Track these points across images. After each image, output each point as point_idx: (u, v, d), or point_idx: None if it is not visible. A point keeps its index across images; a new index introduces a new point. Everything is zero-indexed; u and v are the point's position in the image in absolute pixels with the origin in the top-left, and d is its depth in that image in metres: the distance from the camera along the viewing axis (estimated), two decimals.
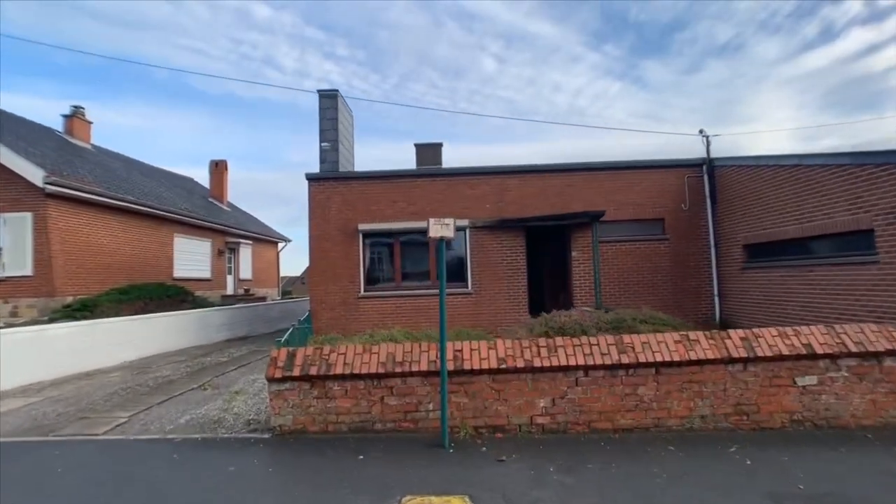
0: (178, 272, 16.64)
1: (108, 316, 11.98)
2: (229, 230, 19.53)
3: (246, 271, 21.03)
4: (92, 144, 17.71)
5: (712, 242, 11.04)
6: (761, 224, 9.16)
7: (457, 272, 11.59)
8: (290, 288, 41.90)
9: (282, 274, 26.85)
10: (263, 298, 20.16)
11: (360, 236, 11.44)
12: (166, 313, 11.91)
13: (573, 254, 11.25)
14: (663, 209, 11.09)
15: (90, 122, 17.90)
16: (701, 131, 11.15)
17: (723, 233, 10.65)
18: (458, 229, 11.42)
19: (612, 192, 11.37)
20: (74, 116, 17.23)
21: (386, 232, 11.49)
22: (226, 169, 22.46)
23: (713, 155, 11.11)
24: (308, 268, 11.64)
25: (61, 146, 15.08)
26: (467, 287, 11.28)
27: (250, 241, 21.39)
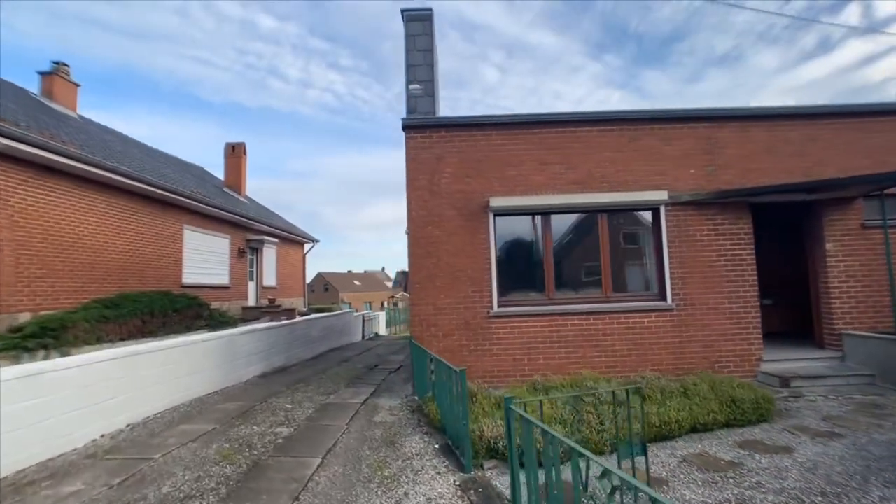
0: (189, 277, 11.99)
1: (84, 343, 7.35)
2: (251, 224, 14.93)
3: (270, 277, 16.39)
4: (79, 115, 13.08)
5: None
6: None
7: (646, 277, 7.22)
8: None
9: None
10: (292, 311, 15.49)
11: (491, 218, 7.03)
12: (174, 340, 7.32)
13: (828, 246, 6.93)
14: None
15: (77, 85, 13.27)
16: None
17: None
18: (648, 207, 7.04)
19: (882, 150, 7.09)
20: (55, 74, 12.59)
21: (531, 210, 7.07)
22: (244, 153, 17.87)
23: None
24: (410, 269, 7.18)
25: (33, 107, 10.44)
26: (665, 299, 6.88)
27: (276, 240, 16.77)
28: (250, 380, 8.57)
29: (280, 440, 5.03)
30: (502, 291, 6.96)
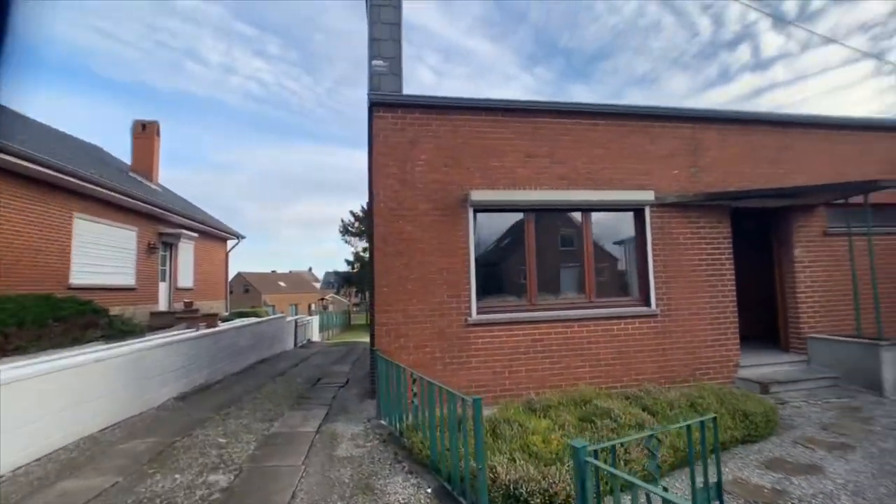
0: (80, 277, 9.75)
1: None
2: (165, 216, 12.70)
3: (186, 277, 14.12)
4: None
5: None
6: None
7: (629, 281, 6.79)
8: None
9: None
10: (213, 316, 13.39)
11: (471, 213, 6.19)
12: (50, 358, 5.55)
13: (796, 252, 7.00)
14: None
15: None
16: None
17: None
18: (633, 208, 6.63)
19: (845, 161, 7.34)
20: None
21: (515, 206, 6.33)
22: (157, 134, 15.29)
23: None
24: (375, 271, 6.06)
25: None
26: (649, 305, 6.49)
27: (195, 235, 14.51)
28: (165, 404, 6.90)
29: (216, 495, 3.75)
30: (481, 296, 6.16)
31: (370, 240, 7.78)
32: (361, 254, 41.73)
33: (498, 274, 6.51)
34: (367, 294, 40.89)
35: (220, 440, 5.13)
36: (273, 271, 65.46)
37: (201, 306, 14.26)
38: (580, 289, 6.52)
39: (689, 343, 6.46)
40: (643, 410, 4.35)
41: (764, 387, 5.93)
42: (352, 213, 42.34)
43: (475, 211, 6.18)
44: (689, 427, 2.51)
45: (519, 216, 6.42)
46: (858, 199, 6.49)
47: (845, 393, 5.88)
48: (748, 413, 4.34)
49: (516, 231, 6.47)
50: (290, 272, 72.76)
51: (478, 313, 6.03)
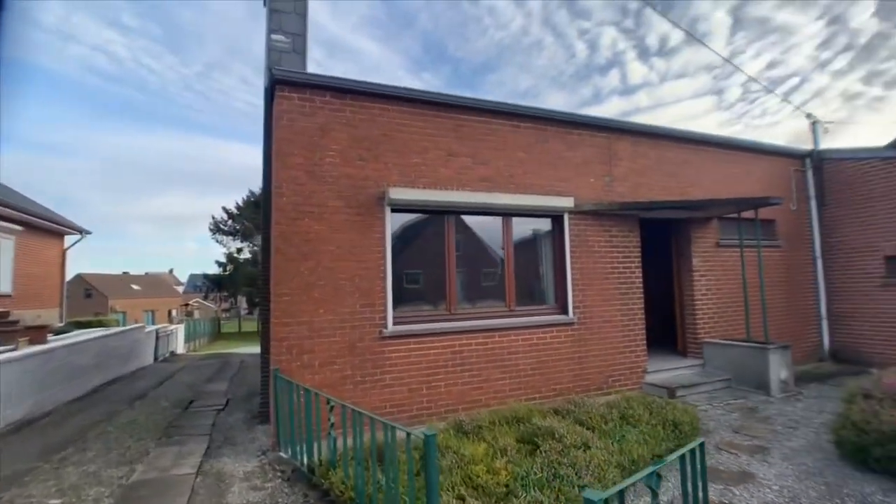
0: None
1: None
2: None
3: (3, 280, 11.53)
4: None
5: (818, 252, 9.17)
6: None
7: (545, 288, 7.05)
8: None
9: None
10: (41, 329, 11.10)
11: (388, 213, 5.92)
12: None
13: (694, 261, 7.92)
14: (774, 207, 8.72)
15: None
16: (809, 116, 9.33)
17: (840, 241, 8.82)
18: (553, 214, 6.95)
19: (732, 179, 8.48)
20: None
21: (436, 207, 6.20)
22: None
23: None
24: (273, 275, 5.42)
25: None
26: (567, 313, 6.82)
27: (18, 228, 11.90)
28: None
29: None
30: (398, 305, 5.93)
31: (265, 240, 7.08)
32: (235, 255, 38.56)
33: (416, 280, 6.34)
34: (255, 301, 37.80)
35: (52, 502, 4.17)
36: (125, 273, 57.43)
37: (24, 316, 11.79)
38: (500, 296, 6.64)
39: (603, 351, 6.96)
40: (579, 425, 4.51)
41: (671, 391, 6.61)
42: (225, 209, 38.93)
43: (393, 210, 5.94)
44: (682, 457, 2.51)
45: (439, 218, 6.33)
46: (747, 213, 7.61)
47: (739, 394, 6.80)
48: (677, 422, 4.74)
49: (436, 234, 6.37)
50: (147, 274, 64.55)
51: (394, 324, 5.80)
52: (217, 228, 39.23)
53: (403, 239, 6.21)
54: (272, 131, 5.73)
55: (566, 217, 6.89)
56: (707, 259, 8.00)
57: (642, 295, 7.34)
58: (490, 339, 6.28)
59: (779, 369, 6.65)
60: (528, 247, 7.05)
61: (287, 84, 5.55)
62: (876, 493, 3.61)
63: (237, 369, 13.14)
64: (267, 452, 5.22)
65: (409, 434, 2.90)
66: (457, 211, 6.34)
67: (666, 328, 8.42)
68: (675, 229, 8.26)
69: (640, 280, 7.35)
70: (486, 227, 6.70)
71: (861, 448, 3.91)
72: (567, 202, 6.79)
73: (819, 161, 9.15)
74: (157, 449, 5.52)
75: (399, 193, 5.82)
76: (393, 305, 5.84)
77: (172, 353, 20.20)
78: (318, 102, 5.68)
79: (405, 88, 6.05)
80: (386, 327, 5.73)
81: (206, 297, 57.10)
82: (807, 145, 9.63)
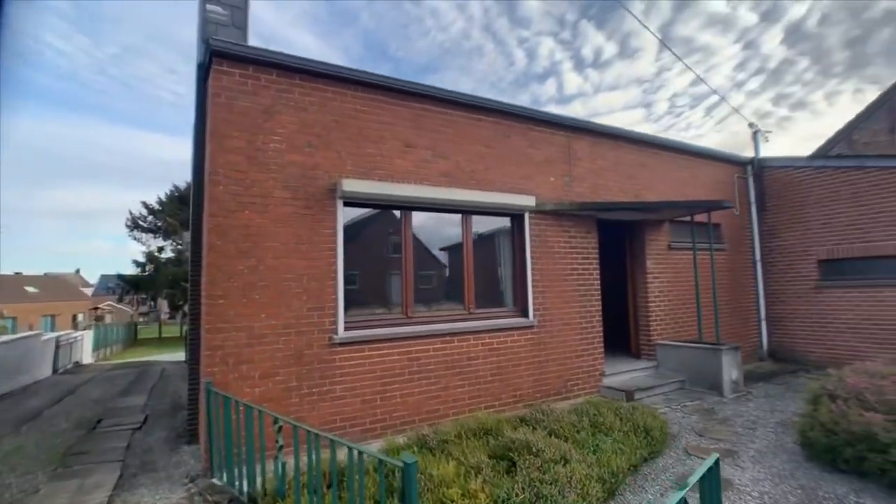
0: None
1: None
2: None
3: None
4: None
5: (758, 256, 9.74)
6: (859, 235, 8.05)
7: (506, 290, 6.89)
8: None
9: None
10: None
11: (340, 206, 5.49)
12: None
13: (648, 263, 8.10)
14: (719, 212, 9.15)
15: None
16: (751, 125, 9.89)
17: (778, 245, 9.42)
18: (514, 213, 6.83)
19: (682, 183, 8.79)
20: None
21: (392, 201, 5.84)
22: None
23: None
24: (205, 274, 4.80)
25: None
26: (527, 315, 6.70)
27: None
28: None
29: None
30: (350, 308, 5.53)
31: (195, 235, 6.41)
32: (156, 254, 35.69)
33: (370, 281, 5.97)
34: (178, 304, 35.02)
35: None
36: (17, 273, 51.46)
37: None
38: (458, 298, 6.41)
39: (562, 354, 6.91)
40: (553, 436, 4.34)
41: (629, 394, 6.67)
42: (145, 204, 35.93)
43: (346, 204, 5.53)
44: (701, 479, 2.34)
45: (395, 214, 6.00)
46: (700, 217, 7.92)
47: (694, 395, 6.99)
48: (648, 429, 4.70)
49: (392, 231, 6.03)
50: (46, 275, 58.27)
51: (345, 329, 5.39)
52: (135, 225, 36.07)
53: (357, 236, 5.81)
54: (206, 112, 5.16)
55: (527, 216, 6.79)
56: (660, 261, 8.24)
57: (600, 297, 7.40)
58: (449, 344, 6.03)
59: (730, 370, 6.94)
60: (487, 246, 6.88)
61: (226, 58, 4.99)
62: (849, 495, 3.72)
63: (157, 379, 11.99)
64: (196, 479, 4.62)
65: (381, 461, 2.56)
66: (415, 206, 6.03)
67: (617, 330, 8.58)
68: (629, 231, 8.44)
69: (598, 282, 7.41)
70: (445, 225, 6.45)
71: (831, 449, 4.05)
72: (529, 201, 6.69)
73: (759, 168, 9.76)
74: (51, 484, 4.73)
75: (353, 185, 5.42)
76: (345, 309, 5.43)
77: (77, 364, 18.27)
78: (263, 81, 5.17)
79: (362, 71, 5.66)
80: (337, 333, 5.31)
81: (120, 300, 52.50)
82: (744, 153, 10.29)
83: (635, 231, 8.35)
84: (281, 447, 3.35)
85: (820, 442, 4.10)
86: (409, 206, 5.99)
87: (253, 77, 5.12)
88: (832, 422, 4.00)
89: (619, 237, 8.59)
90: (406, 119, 6.01)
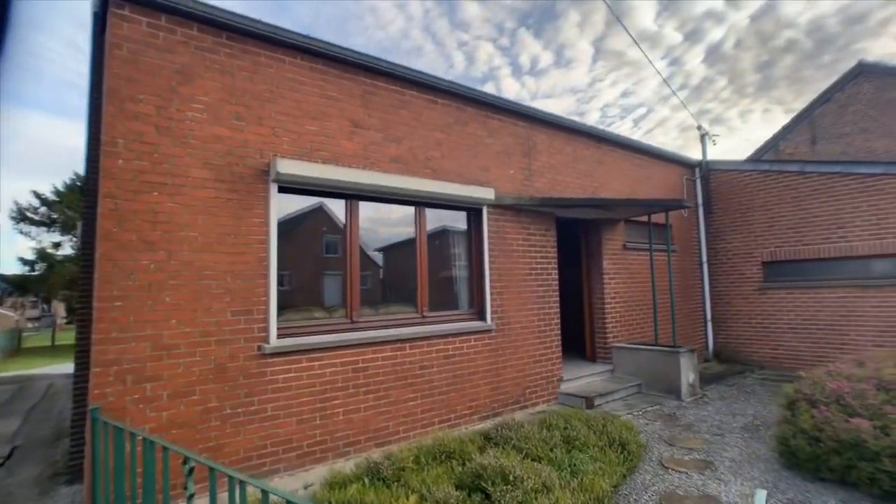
0: None
1: None
2: None
3: None
4: None
5: (705, 258, 9.94)
6: (799, 238, 8.41)
7: (460, 291, 6.36)
8: None
9: None
10: None
11: (274, 191, 4.72)
12: None
13: (605, 264, 7.91)
14: (670, 213, 9.18)
15: None
16: (699, 127, 10.07)
17: (724, 247, 9.65)
18: (472, 206, 6.36)
19: (636, 183, 8.73)
20: None
21: (337, 188, 5.13)
22: None
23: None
24: (99, 269, 3.87)
25: None
26: (485, 319, 6.22)
27: None
28: None
29: None
30: (284, 312, 4.78)
31: (87, 224, 5.34)
32: (51, 250, 31.77)
33: (308, 281, 5.23)
34: (76, 307, 31.21)
35: None
36: None
37: None
38: (410, 300, 5.82)
39: (520, 360, 6.52)
40: (528, 458, 3.86)
41: (589, 401, 6.40)
42: (37, 193, 31.81)
43: (281, 189, 4.78)
44: None
45: (340, 203, 5.31)
46: (657, 217, 7.89)
47: (652, 399, 6.84)
48: (624, 442, 4.37)
49: (335, 223, 5.33)
50: None
51: (279, 337, 4.63)
52: (23, 217, 31.80)
53: (294, 227, 5.06)
54: (104, 68, 4.22)
55: (485, 211, 6.33)
56: (616, 261, 8.11)
57: (558, 298, 7.10)
58: (400, 351, 5.42)
59: (688, 373, 6.88)
60: (442, 243, 6.35)
61: (129, 0, 4.09)
62: None
63: (40, 398, 10.31)
64: None
65: None
66: (363, 195, 5.37)
67: (571, 333, 8.37)
68: (585, 230, 8.26)
69: (557, 282, 7.11)
70: (395, 217, 5.84)
71: (815, 457, 3.90)
72: (488, 193, 6.23)
73: (707, 171, 10.00)
74: None
75: (290, 167, 4.67)
76: (278, 313, 4.68)
77: None
78: (180, 35, 4.30)
79: (303, 36, 4.92)
80: (268, 341, 4.54)
81: (0, 303, 46.46)
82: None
83: (591, 230, 8.18)
84: (192, 496, 2.60)
85: (804, 450, 3.95)
86: (356, 194, 5.32)
87: (166, 29, 4.25)
88: (816, 429, 3.86)
89: (574, 236, 8.38)
90: (354, 95, 5.34)
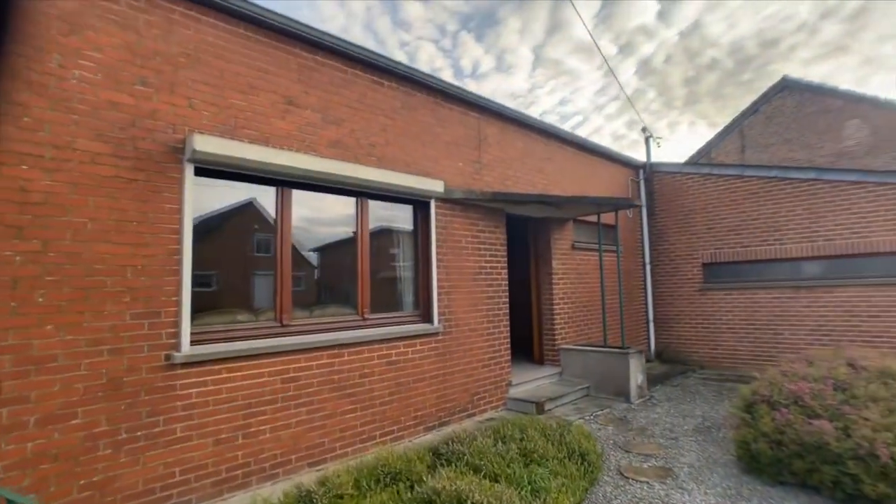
0: None
1: None
2: None
3: None
4: None
5: (648, 259, 10.02)
6: (739, 240, 8.64)
7: (404, 291, 5.85)
8: None
9: None
10: None
11: (190, 173, 4.00)
12: None
13: (553, 264, 7.67)
14: (615, 214, 9.17)
15: None
16: (644, 129, 10.15)
17: (666, 248, 9.77)
18: (419, 199, 5.89)
19: (583, 181, 8.60)
20: None
21: (266, 172, 4.47)
22: None
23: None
24: None
25: None
26: (431, 321, 5.74)
27: None
28: None
29: None
30: (200, 315, 4.08)
31: None
32: None
33: (235, 281, 4.55)
34: None
35: None
36: None
37: None
38: (350, 302, 5.26)
39: (468, 364, 6.11)
40: (484, 477, 3.41)
41: (539, 406, 6.10)
42: None
43: (199, 171, 4.08)
44: None
45: (270, 189, 4.67)
46: (606, 216, 7.77)
47: (601, 402, 6.65)
48: (584, 452, 4.05)
49: (263, 212, 4.68)
50: None
51: (192, 343, 3.93)
52: None
53: (213, 216, 4.36)
54: None
55: (433, 204, 5.88)
56: (565, 261, 7.93)
57: (507, 299, 6.78)
58: (337, 357, 4.84)
59: (637, 374, 6.77)
60: (385, 239, 5.83)
61: None
62: None
63: None
64: None
65: None
66: (296, 182, 4.74)
67: (518, 334, 8.10)
68: (534, 229, 8.02)
69: (507, 282, 6.78)
70: (334, 207, 5.25)
71: (777, 461, 3.76)
72: (437, 186, 5.78)
73: (650, 173, 10.13)
74: None
75: (209, 145, 3.99)
76: (194, 316, 3.98)
77: None
78: None
79: None
80: (179, 349, 3.83)
81: None
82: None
83: (540, 229, 7.95)
84: None
85: (765, 454, 3.81)
86: (289, 180, 4.69)
87: None
88: (777, 431, 3.73)
89: (522, 235, 8.13)
90: (290, 69, 4.71)
